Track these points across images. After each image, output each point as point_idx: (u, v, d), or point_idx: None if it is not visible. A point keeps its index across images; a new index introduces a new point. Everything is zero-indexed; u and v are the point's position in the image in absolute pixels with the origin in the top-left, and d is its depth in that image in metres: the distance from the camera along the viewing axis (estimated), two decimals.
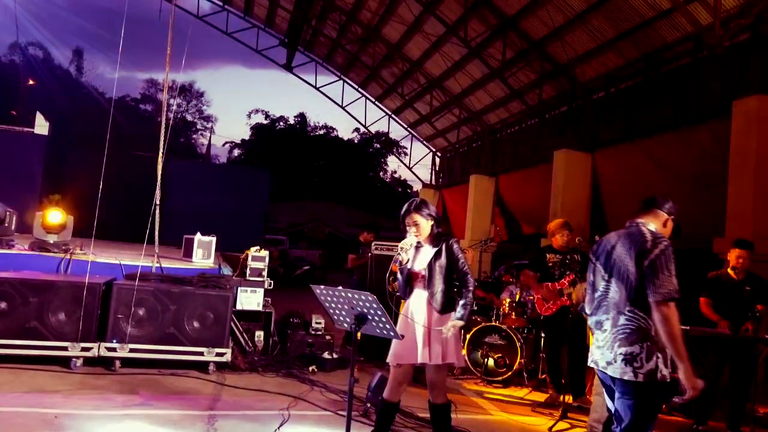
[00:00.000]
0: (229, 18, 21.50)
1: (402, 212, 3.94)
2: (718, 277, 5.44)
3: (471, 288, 3.79)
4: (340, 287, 3.37)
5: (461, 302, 3.75)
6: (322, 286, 3.39)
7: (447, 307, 3.76)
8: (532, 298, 6.55)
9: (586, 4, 11.72)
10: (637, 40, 11.73)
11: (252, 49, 21.91)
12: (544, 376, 6.21)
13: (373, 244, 7.34)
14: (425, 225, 3.88)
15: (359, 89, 22.25)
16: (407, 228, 3.90)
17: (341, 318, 3.43)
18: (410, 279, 3.89)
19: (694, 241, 8.91)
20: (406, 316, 3.80)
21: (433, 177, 22.93)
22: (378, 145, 48.58)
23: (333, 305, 3.43)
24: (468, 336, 6.49)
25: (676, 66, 11.32)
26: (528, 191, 15.97)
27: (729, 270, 5.36)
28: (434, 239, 3.90)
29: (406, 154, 28.03)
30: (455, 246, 3.87)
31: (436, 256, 3.81)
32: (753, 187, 8.62)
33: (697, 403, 5.21)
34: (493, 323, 6.71)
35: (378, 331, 3.34)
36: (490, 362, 6.42)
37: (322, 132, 53.07)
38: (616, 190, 12.79)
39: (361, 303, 3.28)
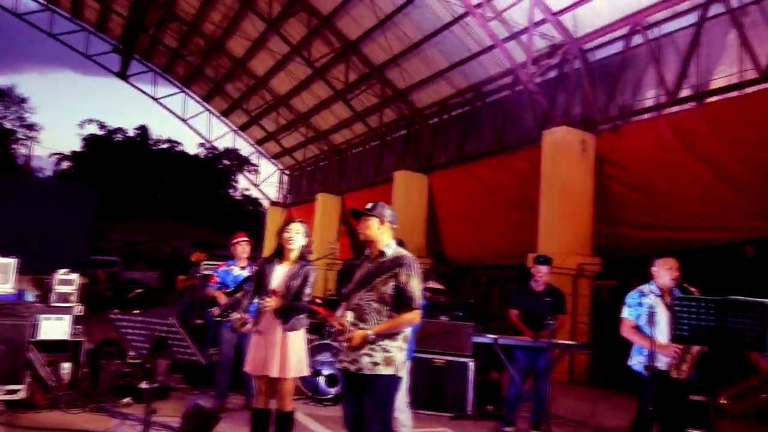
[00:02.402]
0: (56, 19, 19.59)
1: (287, 224, 4.02)
2: (523, 289, 5.99)
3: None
4: (138, 311, 3.17)
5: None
6: (118, 312, 3.17)
7: (292, 322, 3.83)
8: None
9: (420, 35, 12.46)
10: (466, 72, 12.70)
11: (81, 54, 20.14)
12: None
13: (202, 264, 7.02)
14: (299, 241, 3.94)
15: (203, 103, 21.43)
16: (288, 236, 3.90)
17: (139, 344, 3.23)
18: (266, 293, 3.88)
19: (519, 258, 9.77)
20: (259, 331, 3.81)
21: (281, 195, 22.71)
22: (227, 162, 47.06)
23: (130, 331, 3.22)
24: None
25: (498, 97, 12.45)
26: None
27: (532, 282, 5.93)
28: (298, 259, 3.95)
29: (257, 171, 27.54)
30: (312, 273, 3.94)
31: (294, 276, 3.86)
32: (560, 208, 9.69)
33: (507, 405, 5.68)
34: (325, 341, 6.73)
35: (180, 355, 3.18)
36: (322, 381, 6.42)
37: (166, 146, 50.13)
38: (449, 210, 13.65)
39: (159, 328, 3.11)
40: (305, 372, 3.96)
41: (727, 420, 4.91)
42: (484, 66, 12.21)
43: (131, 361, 6.19)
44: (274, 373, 3.73)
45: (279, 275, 3.89)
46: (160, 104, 21.19)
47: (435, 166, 14.01)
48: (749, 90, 7.83)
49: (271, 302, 3.67)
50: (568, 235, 9.63)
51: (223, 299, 5.70)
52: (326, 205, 17.89)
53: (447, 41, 12.19)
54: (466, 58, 12.15)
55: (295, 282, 3.84)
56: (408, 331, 3.34)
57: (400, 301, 3.21)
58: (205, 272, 6.83)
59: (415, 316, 3.25)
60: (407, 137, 15.15)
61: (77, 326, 6.16)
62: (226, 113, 21.47)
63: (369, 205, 3.44)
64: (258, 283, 3.92)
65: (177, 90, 21.21)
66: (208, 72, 19.16)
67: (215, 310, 5.69)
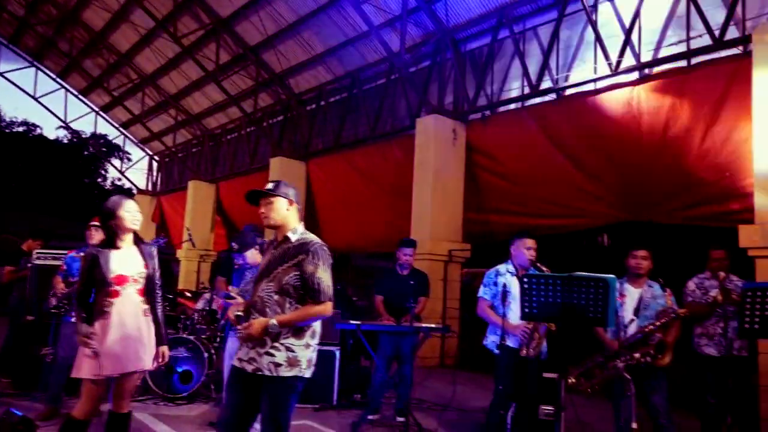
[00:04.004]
0: None
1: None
2: (388, 273, 5.90)
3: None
4: None
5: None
6: None
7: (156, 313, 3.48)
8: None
9: (295, 17, 12.05)
10: (343, 58, 12.49)
11: None
12: None
13: (34, 253, 6.14)
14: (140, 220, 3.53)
15: (58, 79, 19.37)
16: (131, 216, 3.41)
17: None
18: (109, 282, 3.32)
19: (396, 245, 9.73)
20: (122, 323, 3.30)
21: (150, 183, 21.19)
22: (93, 150, 43.23)
23: None
24: None
25: (374, 85, 12.37)
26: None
27: (396, 267, 5.84)
28: (136, 241, 3.51)
29: (130, 159, 25.52)
30: (155, 253, 3.57)
31: (147, 259, 3.47)
32: (432, 195, 9.80)
33: (371, 392, 5.55)
34: (180, 335, 6.21)
35: None
36: (176, 378, 5.91)
37: (21, 129, 45.02)
38: (328, 198, 13.41)
39: None
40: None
41: (580, 396, 5.13)
42: (360, 52, 12.07)
43: None
44: (149, 364, 3.39)
45: (122, 260, 3.39)
46: (6, 79, 18.86)
47: (313, 153, 13.69)
48: (602, 85, 8.34)
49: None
50: (440, 222, 9.78)
51: (61, 288, 5.01)
52: (199, 194, 16.92)
53: (323, 25, 11.89)
54: (343, 42, 11.94)
55: (151, 267, 3.46)
56: (317, 326, 2.93)
57: (306, 293, 2.82)
58: (38, 262, 5.99)
59: (325, 308, 2.85)
60: (284, 123, 14.67)
61: None
62: (85, 92, 19.57)
63: (270, 185, 2.98)
64: (89, 275, 3.33)
65: (26, 64, 18.98)
66: (63, 45, 17.31)
67: (52, 301, 5.01)
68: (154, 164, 21.27)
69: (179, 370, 5.94)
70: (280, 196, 2.94)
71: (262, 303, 2.84)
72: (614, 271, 4.23)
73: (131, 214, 3.43)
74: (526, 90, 9.37)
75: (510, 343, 4.26)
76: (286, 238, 2.94)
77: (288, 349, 2.79)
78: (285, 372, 2.77)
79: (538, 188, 9.03)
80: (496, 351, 4.31)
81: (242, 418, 2.84)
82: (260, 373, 2.78)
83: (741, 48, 6.82)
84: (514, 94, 9.76)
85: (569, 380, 4.32)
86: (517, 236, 4.51)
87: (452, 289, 9.85)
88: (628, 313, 4.22)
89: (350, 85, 12.82)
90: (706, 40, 7.18)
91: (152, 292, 3.43)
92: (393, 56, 10.02)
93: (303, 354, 2.83)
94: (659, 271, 4.25)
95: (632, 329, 4.15)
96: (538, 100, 9.22)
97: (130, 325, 3.31)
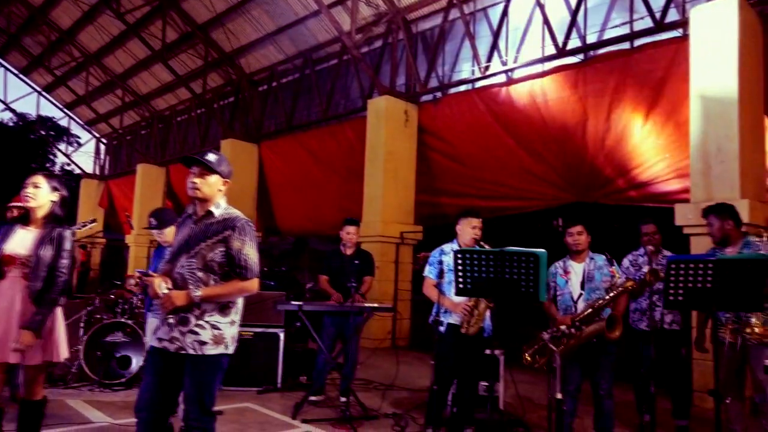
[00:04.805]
0: None
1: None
2: (333, 253, 5.83)
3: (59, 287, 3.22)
4: None
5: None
6: None
7: (42, 300, 3.17)
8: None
9: None
10: (295, 37, 12.25)
11: None
12: None
13: None
14: (43, 196, 3.26)
15: None
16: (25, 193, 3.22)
17: None
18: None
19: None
20: (4, 309, 3.10)
21: (98, 166, 20.47)
22: (43, 132, 41.42)
23: None
24: (85, 338, 5.69)
25: (327, 66, 12.18)
26: None
27: (341, 246, 5.78)
28: (47, 222, 3.26)
29: (80, 144, 24.56)
30: (67, 239, 3.27)
31: (43, 242, 3.20)
32: (384, 177, 9.75)
33: (314, 373, 5.51)
34: (119, 320, 6.01)
35: None
36: (113, 363, 5.73)
37: None
38: (281, 181, 13.20)
39: None
40: (66, 354, 3.37)
41: (521, 371, 5.20)
42: (312, 32, 11.85)
43: None
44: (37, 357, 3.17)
45: (22, 240, 3.21)
46: None
47: (265, 135, 13.43)
48: (549, 66, 8.41)
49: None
50: (392, 204, 9.76)
51: None
52: (148, 177, 16.43)
53: (273, 2, 11.62)
54: (294, 21, 11.69)
55: (45, 251, 3.18)
56: (240, 303, 2.85)
57: (232, 270, 2.74)
58: None
59: (252, 284, 2.76)
60: (235, 104, 14.33)
61: None
62: (25, 71, 18.68)
63: (213, 158, 2.85)
64: None
65: None
66: (0, 21, 16.43)
67: None
68: (102, 147, 20.53)
69: (117, 355, 5.77)
70: (217, 173, 2.84)
71: (183, 280, 2.73)
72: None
73: (26, 189, 3.26)
74: (476, 72, 9.37)
75: (452, 320, 4.27)
76: (209, 213, 2.83)
77: (213, 326, 2.71)
78: (210, 350, 2.69)
79: (487, 170, 9.08)
80: (439, 328, 4.31)
81: (163, 400, 2.73)
82: (184, 352, 2.68)
83: (681, 31, 6.96)
84: (465, 75, 9.75)
85: (525, 358, 4.34)
86: (462, 215, 4.49)
87: (404, 270, 9.85)
88: (575, 288, 4.27)
89: (302, 66, 12.60)
90: (648, 23, 7.30)
91: (37, 278, 3.15)
92: (345, 36, 9.85)
93: (228, 331, 2.76)
94: (610, 251, 4.31)
95: (581, 304, 4.21)
96: (487, 82, 9.24)
97: (9, 311, 3.11)
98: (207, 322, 2.70)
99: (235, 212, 2.86)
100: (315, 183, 12.04)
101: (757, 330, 3.73)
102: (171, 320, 2.71)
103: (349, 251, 5.69)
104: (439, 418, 4.32)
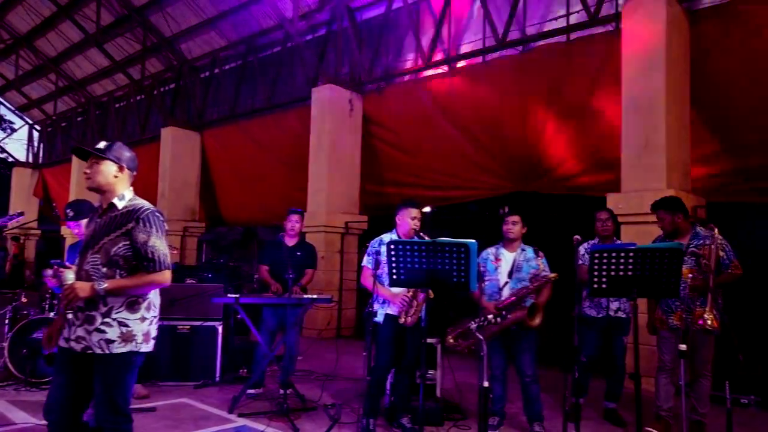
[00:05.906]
0: None
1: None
2: (275, 243, 5.75)
3: None
4: None
5: None
6: None
7: None
8: None
9: None
10: (236, 23, 11.95)
11: None
12: None
13: None
14: None
15: None
16: None
17: None
18: None
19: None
20: None
21: (31, 154, 19.50)
22: None
23: None
24: (10, 335, 5.43)
25: (270, 53, 11.95)
26: (138, 170, 14.91)
27: (284, 237, 5.71)
28: None
29: (14, 130, 23.20)
30: None
31: None
32: (328, 166, 9.68)
33: (254, 366, 5.45)
34: (46, 315, 5.76)
35: None
36: (40, 361, 5.49)
37: None
38: (224, 170, 12.93)
39: None
40: None
41: (456, 358, 5.30)
42: (255, 17, 11.59)
43: None
44: None
45: None
46: None
47: (207, 123, 13.09)
48: (489, 57, 8.51)
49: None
50: (336, 194, 9.71)
51: None
52: (84, 166, 15.71)
53: None
54: (236, 6, 11.39)
55: None
56: (154, 298, 2.74)
57: (139, 264, 2.64)
58: None
59: (160, 276, 2.65)
60: (176, 91, 13.88)
61: None
62: None
63: (102, 145, 2.75)
64: None
65: None
66: None
67: None
68: (35, 134, 19.56)
69: (45, 352, 5.53)
70: (108, 159, 2.72)
71: (87, 276, 2.61)
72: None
73: None
74: (420, 62, 9.39)
75: (389, 311, 4.29)
76: (112, 206, 2.72)
77: (121, 324, 2.61)
78: (118, 348, 2.59)
79: (432, 160, 9.14)
80: (376, 318, 4.33)
81: (73, 403, 2.62)
82: (90, 351, 2.57)
83: (614, 25, 7.16)
84: (409, 65, 9.76)
85: (448, 340, 4.45)
86: (401, 205, 4.51)
87: (349, 261, 9.85)
88: (503, 276, 4.39)
89: (245, 53, 12.31)
90: (584, 16, 7.47)
91: None
92: (287, 23, 9.68)
93: (138, 328, 2.65)
94: (556, 240, 4.42)
95: (506, 292, 4.32)
96: (430, 72, 9.28)
97: None
98: (114, 319, 2.60)
99: (141, 203, 2.75)
100: (260, 172, 11.84)
101: (709, 322, 3.90)
102: (69, 315, 2.59)
103: (291, 242, 5.62)
104: (376, 407, 4.36)
